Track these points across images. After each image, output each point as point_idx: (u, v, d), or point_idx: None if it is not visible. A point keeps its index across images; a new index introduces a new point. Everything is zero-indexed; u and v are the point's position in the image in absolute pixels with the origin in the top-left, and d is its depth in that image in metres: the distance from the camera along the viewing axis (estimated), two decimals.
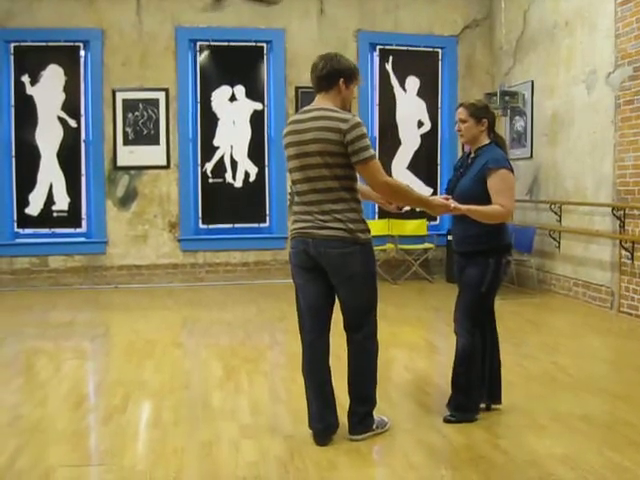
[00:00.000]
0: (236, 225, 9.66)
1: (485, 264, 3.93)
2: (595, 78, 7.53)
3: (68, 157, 9.23)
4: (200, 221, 9.57)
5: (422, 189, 9.55)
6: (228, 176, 9.59)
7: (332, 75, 3.63)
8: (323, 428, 3.71)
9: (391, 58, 9.83)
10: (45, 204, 9.22)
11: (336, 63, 3.64)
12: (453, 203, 3.79)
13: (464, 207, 3.80)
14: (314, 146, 3.53)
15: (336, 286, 3.70)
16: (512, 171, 3.98)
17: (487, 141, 4.06)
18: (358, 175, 3.65)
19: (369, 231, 3.68)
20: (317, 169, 3.56)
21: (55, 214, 9.26)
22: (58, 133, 9.17)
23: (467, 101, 4.16)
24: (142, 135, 9.27)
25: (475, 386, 4.03)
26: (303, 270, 3.74)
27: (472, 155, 4.09)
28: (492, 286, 3.99)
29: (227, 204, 9.61)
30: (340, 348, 3.83)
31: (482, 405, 4.15)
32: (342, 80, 3.64)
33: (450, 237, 9.33)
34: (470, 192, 3.93)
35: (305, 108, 3.73)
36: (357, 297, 3.69)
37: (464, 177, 4.04)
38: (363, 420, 3.77)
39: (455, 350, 4.07)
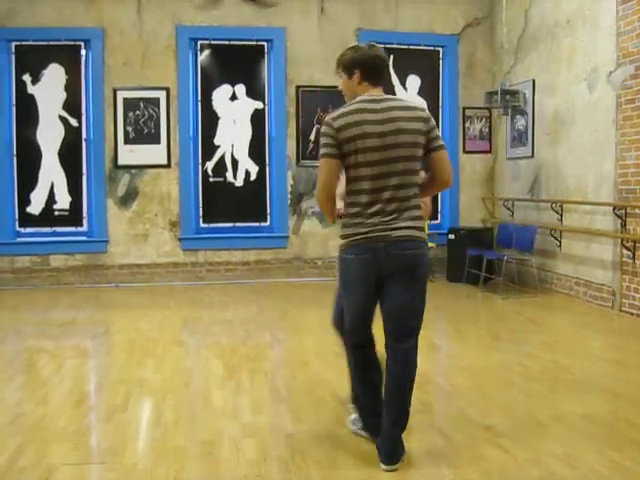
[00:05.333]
0: (237, 224, 9.66)
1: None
2: (596, 77, 7.52)
3: (69, 156, 9.23)
4: (201, 220, 9.57)
5: None
6: (229, 175, 9.59)
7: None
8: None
9: (392, 57, 9.80)
10: (46, 203, 9.22)
11: None
12: None
13: None
14: (406, 137, 3.26)
15: (399, 290, 3.32)
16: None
17: None
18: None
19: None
20: (404, 162, 3.26)
21: (56, 213, 9.26)
22: (59, 132, 9.17)
23: None
24: (143, 134, 9.26)
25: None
26: (363, 278, 3.36)
27: None
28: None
29: (228, 203, 9.61)
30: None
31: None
32: None
33: (451, 236, 9.34)
34: None
35: (373, 97, 3.34)
36: (419, 300, 3.39)
37: None
38: (397, 444, 3.41)
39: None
